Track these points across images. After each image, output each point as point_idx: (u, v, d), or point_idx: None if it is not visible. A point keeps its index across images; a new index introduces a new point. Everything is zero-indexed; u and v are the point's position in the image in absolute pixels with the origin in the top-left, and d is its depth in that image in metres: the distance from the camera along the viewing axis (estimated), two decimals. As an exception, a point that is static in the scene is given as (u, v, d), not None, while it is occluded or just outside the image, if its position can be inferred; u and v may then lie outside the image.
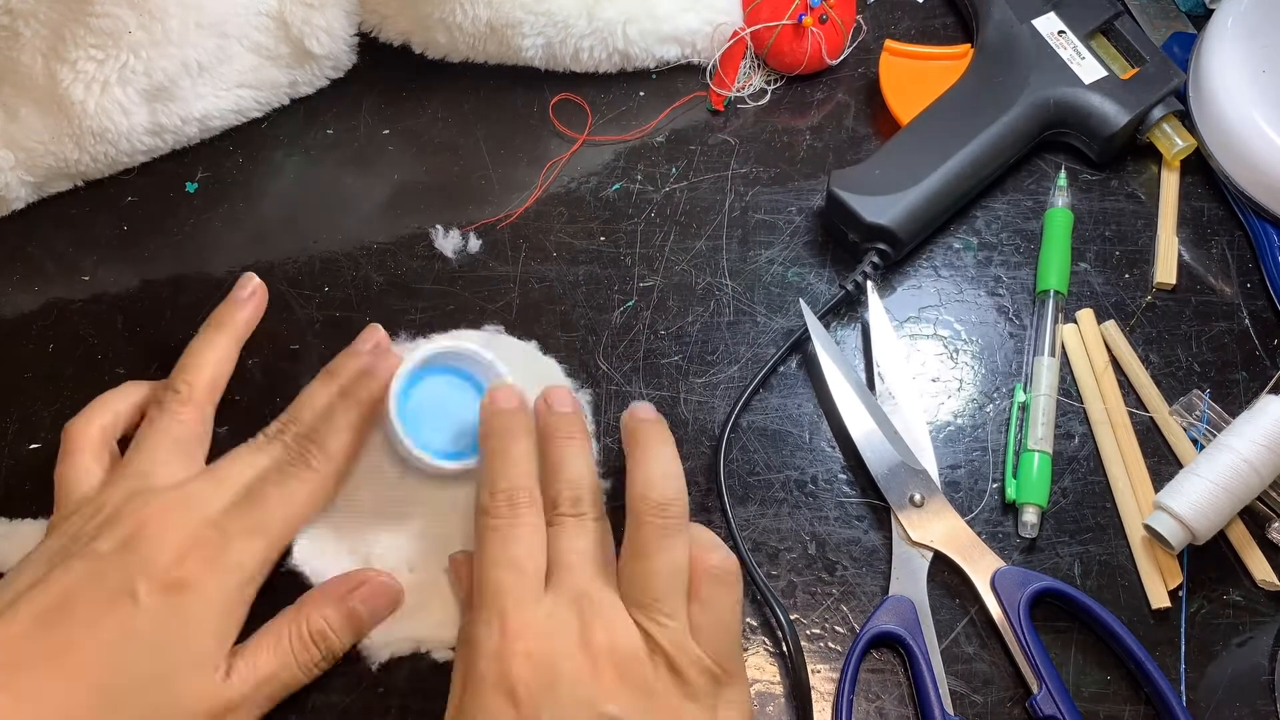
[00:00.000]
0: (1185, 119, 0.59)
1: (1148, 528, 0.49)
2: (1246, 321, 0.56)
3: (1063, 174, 0.59)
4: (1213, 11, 0.62)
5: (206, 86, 0.60)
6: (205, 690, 0.44)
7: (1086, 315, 0.56)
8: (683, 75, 0.64)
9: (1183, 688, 0.48)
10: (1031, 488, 0.51)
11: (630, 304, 0.57)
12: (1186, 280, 0.57)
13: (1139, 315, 0.56)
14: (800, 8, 0.60)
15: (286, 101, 0.63)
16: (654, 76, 0.64)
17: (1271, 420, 0.49)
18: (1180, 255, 0.58)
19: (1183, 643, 0.49)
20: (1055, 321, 0.55)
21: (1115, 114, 0.57)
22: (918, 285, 0.58)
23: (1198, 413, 0.53)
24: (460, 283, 0.57)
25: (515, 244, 0.59)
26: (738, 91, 0.63)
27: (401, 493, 0.51)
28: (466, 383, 0.52)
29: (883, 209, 0.55)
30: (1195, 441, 0.52)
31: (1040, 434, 0.52)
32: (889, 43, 0.61)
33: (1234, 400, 0.54)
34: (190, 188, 0.61)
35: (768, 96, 0.63)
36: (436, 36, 0.62)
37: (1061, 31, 0.59)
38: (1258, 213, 0.58)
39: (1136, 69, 0.59)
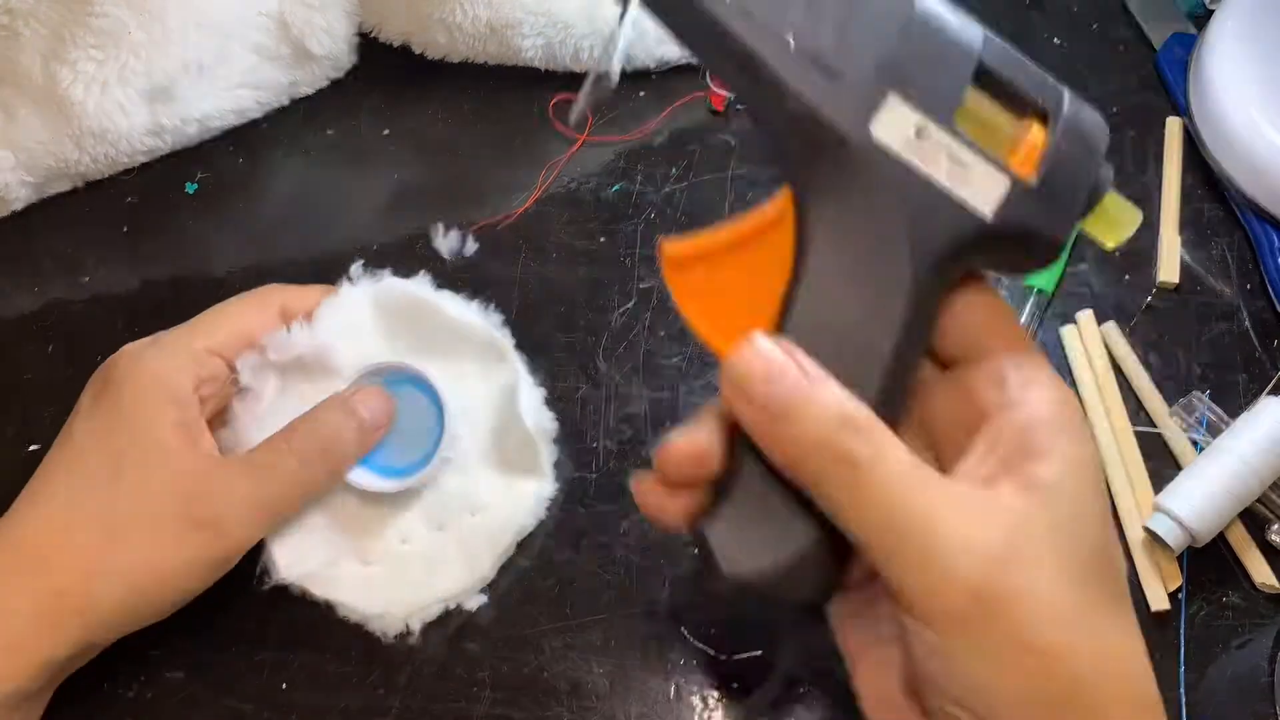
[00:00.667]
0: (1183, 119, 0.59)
1: (1147, 530, 0.49)
2: (1246, 323, 0.56)
3: None
4: (1213, 12, 0.61)
5: (206, 87, 0.60)
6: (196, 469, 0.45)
7: (1086, 317, 0.56)
8: (683, 75, 0.63)
9: (1182, 690, 0.48)
10: None
11: (630, 305, 0.57)
12: (1186, 281, 0.57)
13: (1139, 317, 0.56)
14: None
15: (286, 102, 0.63)
16: (654, 77, 0.64)
17: (1272, 422, 0.49)
18: (1181, 256, 0.58)
19: (1182, 645, 0.49)
20: (1033, 319, 0.55)
21: (1043, 236, 0.33)
22: (918, 286, 0.58)
23: (1197, 414, 0.53)
24: (460, 283, 0.57)
25: (515, 244, 0.59)
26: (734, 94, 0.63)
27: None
28: (417, 391, 0.50)
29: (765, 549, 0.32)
30: (1195, 443, 0.52)
31: None
32: (666, 246, 0.35)
33: (1234, 402, 0.54)
34: (190, 188, 0.61)
35: None
36: (436, 37, 0.62)
37: (920, 130, 0.32)
38: (1258, 213, 0.57)
39: (1031, 138, 0.33)
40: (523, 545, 0.51)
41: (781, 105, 0.32)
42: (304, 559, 0.49)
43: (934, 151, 0.32)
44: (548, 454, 0.51)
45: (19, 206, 0.60)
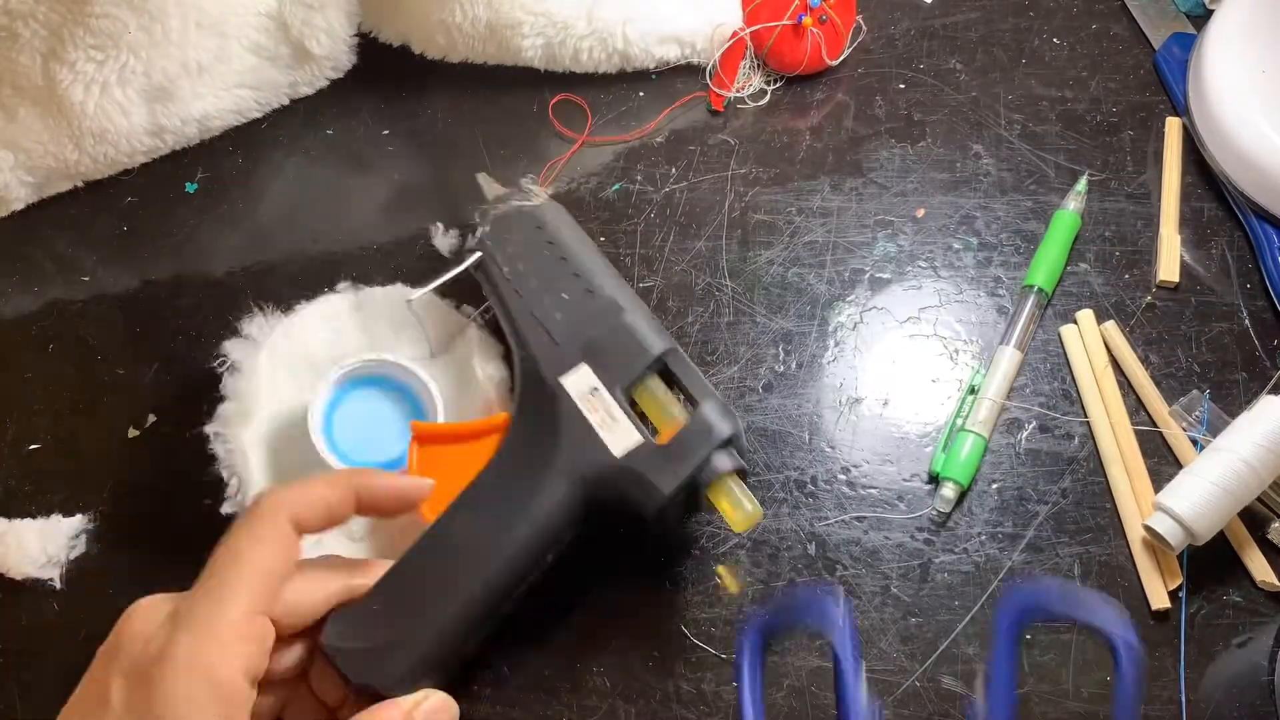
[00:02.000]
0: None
1: (1148, 528, 0.49)
2: (1246, 322, 0.56)
3: (1084, 181, 0.59)
4: (1212, 12, 0.62)
5: (206, 87, 0.60)
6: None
7: (1086, 316, 0.56)
8: (683, 75, 0.64)
9: (1182, 689, 0.48)
10: (957, 465, 0.52)
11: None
12: (1186, 281, 0.57)
13: (1139, 316, 0.56)
14: (800, 8, 0.60)
15: (286, 102, 0.63)
16: (654, 77, 0.64)
17: (1272, 421, 0.49)
18: (1180, 255, 0.58)
19: (1182, 644, 0.49)
20: (1031, 318, 0.55)
21: (648, 494, 0.45)
22: (918, 285, 0.58)
23: (1197, 413, 0.53)
24: (460, 283, 0.57)
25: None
26: (737, 92, 0.63)
27: None
28: (393, 392, 0.53)
29: (377, 665, 0.42)
30: (1195, 442, 0.52)
31: (981, 418, 0.53)
32: (414, 425, 0.48)
33: (1234, 401, 0.54)
34: (190, 188, 0.61)
35: (767, 97, 0.63)
36: (436, 37, 0.62)
37: (595, 389, 0.47)
38: (1258, 213, 0.58)
39: (681, 423, 0.46)
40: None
41: (520, 350, 0.49)
42: None
43: (597, 405, 0.47)
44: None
45: (19, 206, 0.60)
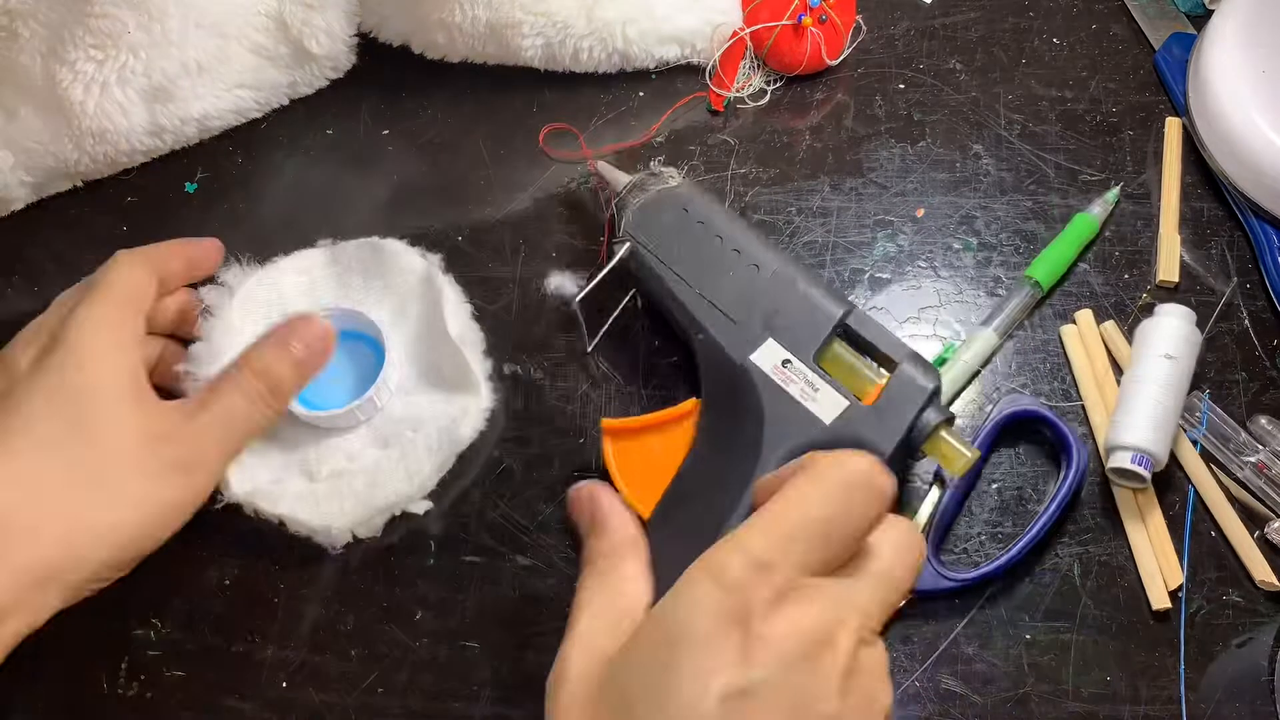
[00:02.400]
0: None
1: (1113, 471, 0.50)
2: (1246, 322, 0.56)
3: (1116, 191, 0.59)
4: (1212, 12, 0.62)
5: (206, 87, 0.60)
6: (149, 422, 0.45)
7: (1086, 316, 0.56)
8: (683, 75, 0.63)
9: (1182, 688, 0.48)
10: None
11: (630, 304, 0.57)
12: (1186, 280, 0.57)
13: (1138, 316, 0.56)
14: (800, 8, 0.60)
15: (286, 102, 0.63)
16: (654, 77, 0.64)
17: (1158, 336, 0.52)
18: (1180, 255, 0.58)
19: (1182, 643, 0.49)
20: (1021, 309, 0.56)
21: (871, 444, 0.46)
22: (917, 285, 0.58)
23: (1197, 414, 0.53)
24: (460, 284, 0.57)
25: (515, 244, 0.59)
26: (737, 92, 0.63)
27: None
28: (358, 343, 0.55)
29: None
30: (1195, 442, 0.52)
31: (945, 391, 0.53)
32: (605, 422, 0.49)
33: (1234, 401, 0.54)
34: (190, 188, 0.61)
35: (767, 97, 0.63)
36: (436, 37, 0.62)
37: (786, 361, 0.47)
38: (1257, 213, 0.58)
39: (883, 381, 0.48)
40: (525, 547, 0.51)
41: (700, 338, 0.49)
42: (253, 477, 0.50)
43: (794, 376, 0.47)
44: (479, 368, 0.53)
45: (19, 206, 0.60)
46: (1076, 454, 0.50)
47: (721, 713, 0.33)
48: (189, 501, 0.46)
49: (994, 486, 0.52)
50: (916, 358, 0.48)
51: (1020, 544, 0.49)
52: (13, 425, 0.44)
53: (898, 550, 0.37)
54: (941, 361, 0.54)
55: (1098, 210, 0.58)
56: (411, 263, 0.55)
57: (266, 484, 0.51)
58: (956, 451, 0.47)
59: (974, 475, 0.52)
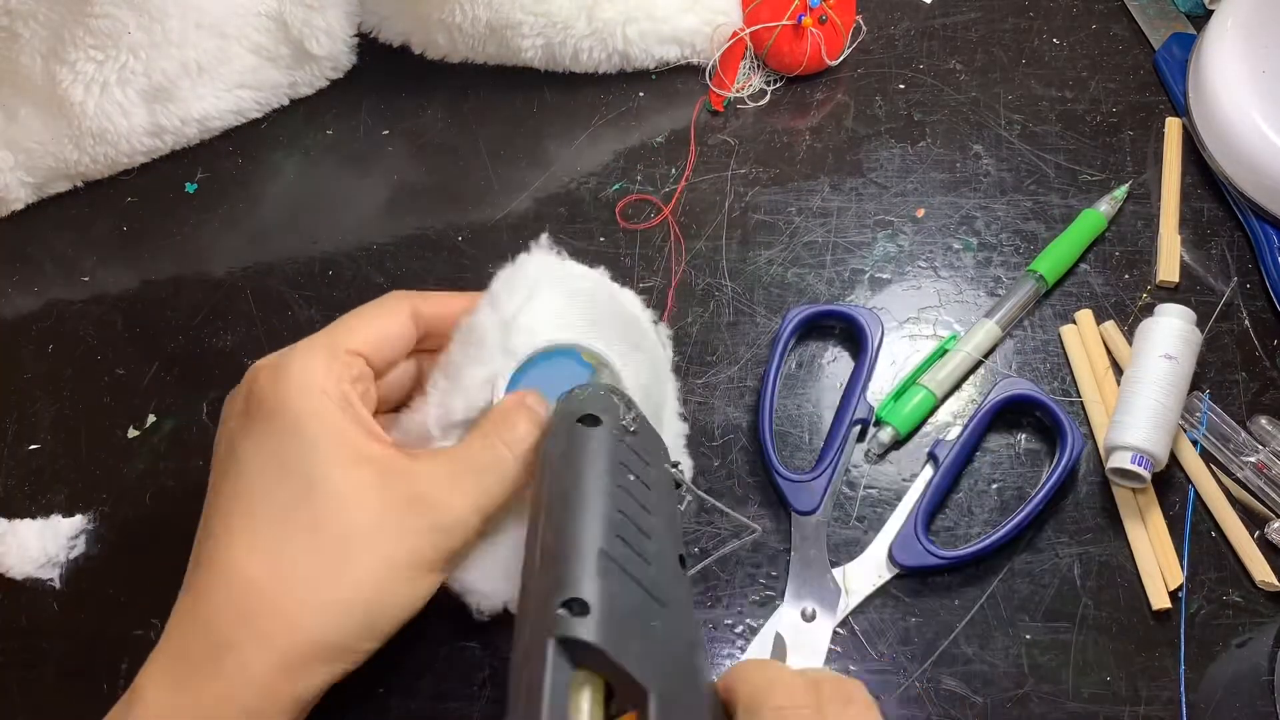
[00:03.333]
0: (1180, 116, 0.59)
1: (1113, 471, 0.50)
2: (1246, 322, 0.56)
3: (1124, 189, 0.59)
4: (1212, 12, 0.62)
5: (206, 87, 0.60)
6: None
7: (1086, 316, 0.56)
8: (683, 76, 0.64)
9: (1182, 688, 0.48)
10: (900, 413, 0.53)
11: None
12: (1186, 281, 0.57)
13: (1138, 316, 0.56)
14: (800, 8, 0.60)
15: (286, 102, 0.64)
16: (654, 77, 0.64)
17: (1158, 336, 0.52)
18: (1180, 255, 0.58)
19: (1182, 643, 0.49)
20: (1023, 304, 0.56)
21: None
22: (917, 286, 0.58)
23: (1198, 414, 0.53)
24: (461, 284, 0.57)
25: (515, 244, 0.59)
26: (737, 92, 0.63)
27: None
28: (569, 360, 0.47)
29: None
30: (1195, 443, 0.52)
31: (940, 376, 0.54)
32: None
33: (1234, 401, 0.54)
34: (190, 188, 0.61)
35: (767, 97, 0.63)
36: (436, 37, 0.62)
37: None
38: (1257, 213, 0.57)
39: None
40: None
41: None
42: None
43: None
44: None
45: (19, 206, 0.60)
46: (1070, 435, 0.51)
47: None
48: (443, 562, 0.41)
49: (994, 486, 0.52)
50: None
51: (1012, 523, 0.50)
52: (235, 489, 0.40)
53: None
54: (942, 352, 0.54)
55: (1105, 207, 0.58)
56: (640, 319, 0.49)
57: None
58: None
59: (966, 454, 0.52)
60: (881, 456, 0.53)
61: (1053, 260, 0.56)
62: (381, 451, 0.41)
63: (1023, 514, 0.50)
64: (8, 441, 0.54)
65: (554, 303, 0.46)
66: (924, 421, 0.53)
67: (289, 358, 0.41)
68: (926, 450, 0.53)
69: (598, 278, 0.48)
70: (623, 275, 0.58)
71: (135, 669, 0.49)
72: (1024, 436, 0.53)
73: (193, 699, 0.38)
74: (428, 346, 0.46)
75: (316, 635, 0.39)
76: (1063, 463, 0.51)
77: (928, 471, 0.52)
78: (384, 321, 0.44)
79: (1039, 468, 0.53)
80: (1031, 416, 0.54)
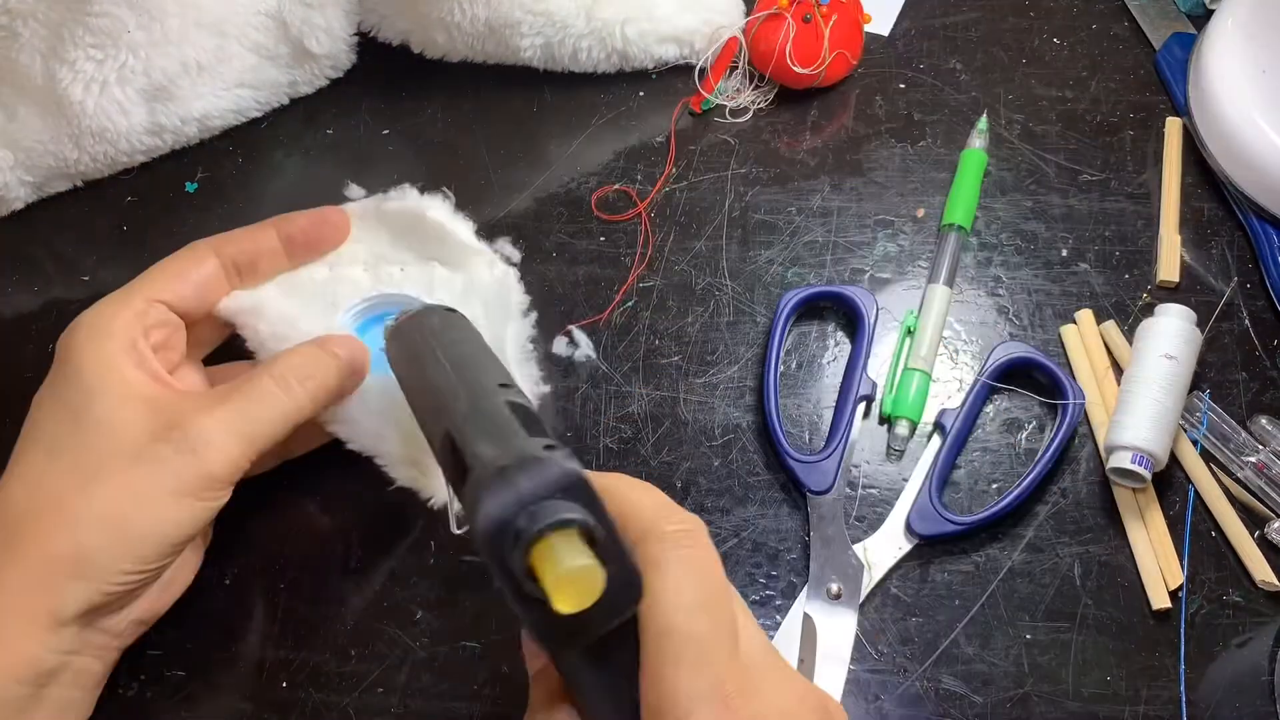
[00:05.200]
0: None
1: (1113, 471, 0.50)
2: (1246, 322, 0.56)
3: (984, 119, 0.60)
4: (1212, 12, 0.62)
5: (206, 86, 0.60)
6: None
7: (1086, 316, 0.56)
8: (682, 76, 0.63)
9: (1182, 688, 0.48)
10: (906, 404, 0.53)
11: (630, 304, 0.57)
12: (1186, 281, 0.57)
13: (1138, 316, 0.56)
14: (804, 8, 0.60)
15: (286, 101, 0.63)
16: (654, 77, 0.64)
17: (1158, 336, 0.52)
18: (1180, 255, 0.58)
19: (1182, 643, 0.49)
20: (955, 254, 0.57)
21: None
22: (917, 285, 0.58)
23: (1198, 414, 0.53)
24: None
25: (515, 244, 0.59)
26: (723, 100, 0.62)
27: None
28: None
29: None
30: (1195, 443, 0.52)
31: (923, 354, 0.54)
32: None
33: (1234, 401, 0.54)
34: (190, 188, 0.61)
35: (749, 114, 0.62)
36: (435, 36, 0.62)
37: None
38: (1258, 213, 0.58)
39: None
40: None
41: None
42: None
43: None
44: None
45: (19, 206, 0.60)
46: (1070, 392, 0.52)
47: None
48: (198, 483, 0.43)
49: (994, 486, 0.52)
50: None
51: (1024, 484, 0.51)
52: (27, 432, 0.45)
53: None
54: (910, 331, 0.55)
55: (979, 143, 0.60)
56: (479, 263, 0.53)
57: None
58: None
59: (970, 421, 0.53)
60: (903, 452, 0.53)
61: (963, 207, 0.58)
62: (156, 390, 0.44)
63: (1033, 474, 0.51)
64: (8, 441, 0.54)
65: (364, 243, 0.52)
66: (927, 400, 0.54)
67: (87, 310, 0.46)
68: (931, 422, 0.53)
69: (406, 201, 0.52)
70: (623, 275, 0.58)
71: (135, 669, 0.49)
72: (1013, 397, 0.54)
73: None
74: (247, 284, 0.50)
75: (65, 549, 0.41)
76: (1065, 420, 0.52)
77: (935, 441, 0.53)
78: (183, 266, 0.48)
79: (1043, 428, 0.53)
80: (1030, 378, 0.54)
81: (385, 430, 0.49)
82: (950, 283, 0.56)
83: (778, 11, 0.60)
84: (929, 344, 0.54)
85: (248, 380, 0.45)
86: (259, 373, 0.45)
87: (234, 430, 0.44)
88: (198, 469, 0.43)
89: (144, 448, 0.43)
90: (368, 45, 0.64)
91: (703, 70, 0.63)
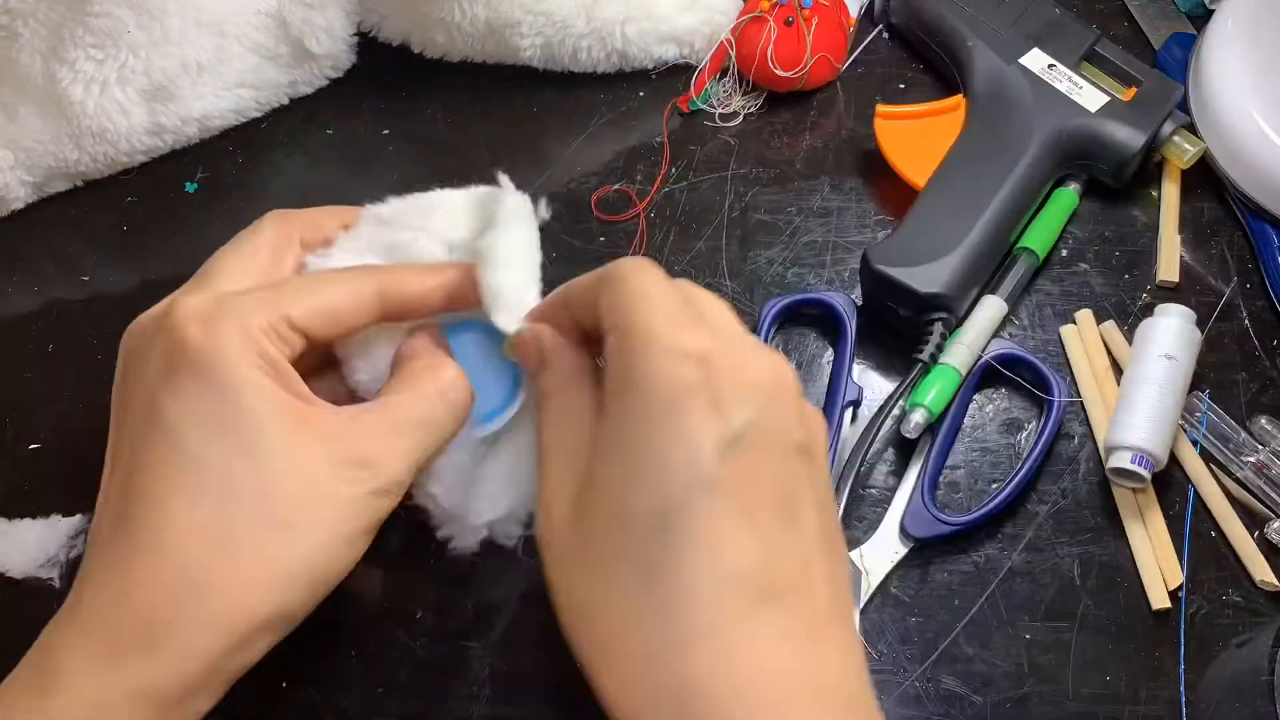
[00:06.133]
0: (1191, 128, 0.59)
1: (1113, 471, 0.50)
2: (1246, 322, 0.56)
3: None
4: (1213, 12, 0.61)
5: (206, 86, 0.60)
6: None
7: (1086, 316, 0.56)
8: (683, 76, 0.63)
9: (1182, 688, 0.48)
10: (926, 395, 0.52)
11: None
12: (1186, 281, 0.57)
13: (1138, 316, 0.56)
14: (787, 10, 0.60)
15: (286, 101, 0.63)
16: (654, 77, 0.64)
17: (1158, 335, 0.52)
18: (1180, 255, 0.58)
19: (1182, 643, 0.49)
20: (1022, 276, 0.56)
21: (1130, 137, 0.56)
22: (918, 285, 0.58)
23: (1198, 414, 0.53)
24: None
25: (515, 244, 0.59)
26: (702, 102, 0.62)
27: None
28: (479, 333, 0.46)
29: (933, 277, 0.52)
30: (1195, 443, 0.52)
31: (961, 356, 0.53)
32: (880, 107, 0.59)
33: (1234, 401, 0.54)
34: (190, 188, 0.61)
35: (740, 117, 0.62)
36: (435, 36, 0.62)
37: (1051, 65, 0.58)
38: (1258, 213, 0.57)
39: (1134, 89, 0.57)
40: (526, 547, 0.51)
41: (969, 45, 0.59)
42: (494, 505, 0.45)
43: (1059, 77, 0.58)
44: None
45: (19, 206, 0.60)
46: (1056, 388, 0.52)
47: (721, 464, 0.34)
48: (374, 500, 0.39)
49: (994, 486, 0.52)
50: (1161, 76, 0.58)
51: (1016, 480, 0.51)
52: (165, 448, 0.38)
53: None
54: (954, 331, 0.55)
55: (1075, 186, 0.59)
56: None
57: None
58: (1192, 143, 0.57)
59: (957, 423, 0.53)
60: (918, 438, 0.52)
61: (1042, 235, 0.57)
62: (318, 414, 0.39)
63: (1023, 471, 0.51)
64: (8, 441, 0.54)
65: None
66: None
67: (225, 311, 0.38)
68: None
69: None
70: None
71: (135, 669, 0.49)
72: (1011, 397, 0.54)
73: (129, 679, 0.36)
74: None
75: (263, 611, 0.37)
76: (1053, 415, 0.52)
77: (925, 442, 0.53)
78: (339, 297, 0.41)
79: (1030, 424, 0.53)
80: (1015, 376, 0.54)
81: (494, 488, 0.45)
82: (1009, 300, 0.55)
83: (760, 15, 0.60)
84: (967, 346, 0.53)
85: (403, 398, 0.41)
86: (410, 389, 0.41)
87: (410, 460, 0.40)
88: (384, 506, 0.39)
89: (330, 488, 0.38)
90: (368, 45, 0.64)
91: (696, 72, 0.63)
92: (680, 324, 0.36)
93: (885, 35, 0.65)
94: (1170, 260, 0.57)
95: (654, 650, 0.34)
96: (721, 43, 0.62)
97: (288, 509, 0.37)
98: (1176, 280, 0.57)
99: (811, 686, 0.34)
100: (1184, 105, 0.59)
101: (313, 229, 0.44)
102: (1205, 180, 0.60)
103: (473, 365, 0.44)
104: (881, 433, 0.52)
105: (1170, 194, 0.59)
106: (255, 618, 0.37)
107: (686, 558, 0.34)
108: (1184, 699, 0.48)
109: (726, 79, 0.63)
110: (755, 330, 0.55)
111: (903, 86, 0.63)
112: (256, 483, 0.37)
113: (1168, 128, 0.57)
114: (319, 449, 0.38)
